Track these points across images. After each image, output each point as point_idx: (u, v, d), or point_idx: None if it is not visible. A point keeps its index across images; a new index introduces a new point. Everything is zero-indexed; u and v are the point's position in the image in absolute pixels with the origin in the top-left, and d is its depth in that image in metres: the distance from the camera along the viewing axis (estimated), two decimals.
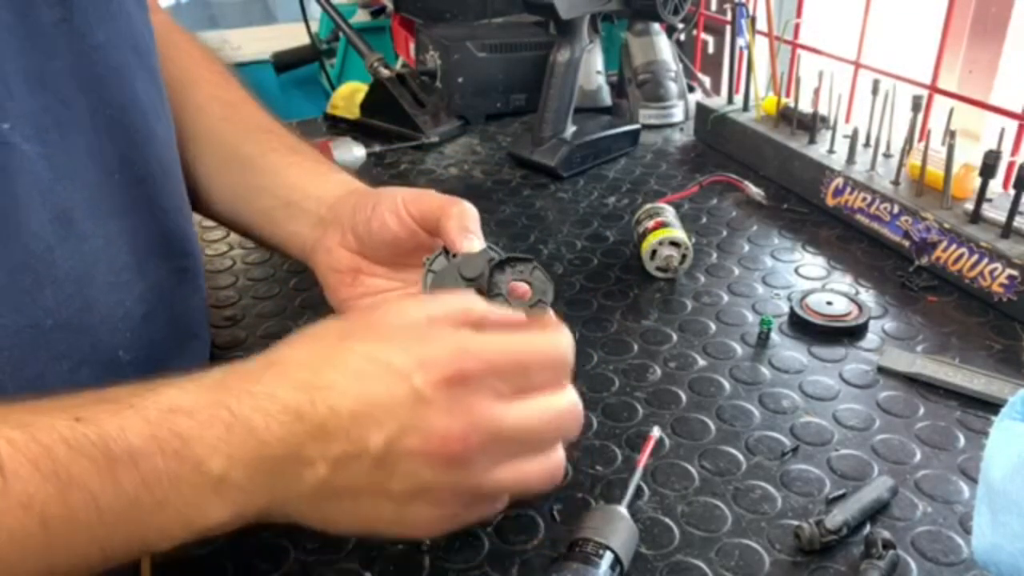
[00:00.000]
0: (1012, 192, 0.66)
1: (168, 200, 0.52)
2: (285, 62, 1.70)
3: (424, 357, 0.38)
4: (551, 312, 0.49)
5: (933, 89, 0.95)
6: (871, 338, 0.64)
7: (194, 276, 0.57)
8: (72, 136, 0.44)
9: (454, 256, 0.49)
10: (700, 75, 1.26)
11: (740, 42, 0.97)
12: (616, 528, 0.44)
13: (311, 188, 0.59)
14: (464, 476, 0.39)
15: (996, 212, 0.69)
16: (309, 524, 0.40)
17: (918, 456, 0.52)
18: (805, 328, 0.65)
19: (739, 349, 0.63)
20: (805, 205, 0.86)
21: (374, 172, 0.99)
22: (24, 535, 0.32)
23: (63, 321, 0.43)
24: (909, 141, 0.77)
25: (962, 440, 0.53)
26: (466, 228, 0.50)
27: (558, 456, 0.42)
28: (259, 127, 0.64)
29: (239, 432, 0.36)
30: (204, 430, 0.36)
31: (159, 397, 0.36)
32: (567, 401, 0.42)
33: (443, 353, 0.38)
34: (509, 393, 0.39)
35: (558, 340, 0.42)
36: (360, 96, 1.11)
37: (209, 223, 0.86)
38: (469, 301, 0.43)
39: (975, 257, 0.68)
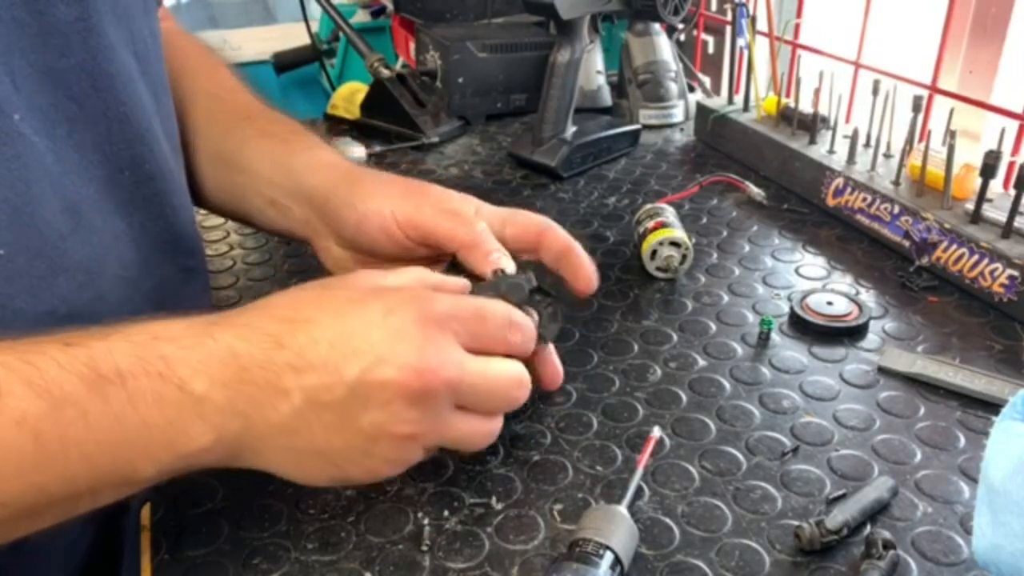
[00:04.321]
0: (1012, 192, 0.66)
1: (174, 199, 0.53)
2: (285, 62, 1.70)
3: (399, 300, 0.41)
4: (550, 348, 0.54)
5: (933, 89, 0.95)
6: (871, 338, 0.64)
7: (201, 275, 0.58)
8: (81, 132, 0.45)
9: (497, 273, 0.51)
10: (700, 75, 1.26)
11: (740, 42, 0.97)
12: (616, 528, 0.44)
13: (288, 183, 0.59)
14: (426, 415, 0.41)
15: (996, 212, 0.69)
16: (279, 470, 0.42)
17: (918, 456, 0.52)
18: (805, 328, 0.65)
19: (739, 349, 0.63)
20: (805, 205, 0.86)
21: None
22: (18, 451, 0.33)
23: (76, 310, 0.44)
24: (909, 141, 0.77)
25: (962, 440, 0.53)
26: (489, 253, 0.52)
27: (499, 422, 0.46)
28: (239, 116, 0.63)
29: (221, 355, 0.38)
30: (187, 353, 0.37)
31: (144, 327, 0.38)
32: (518, 369, 0.45)
33: (415, 298, 0.42)
34: (470, 344, 0.43)
35: (511, 310, 0.46)
36: (360, 96, 1.11)
37: (209, 223, 0.87)
38: (424, 272, 0.47)
39: (975, 257, 0.68)
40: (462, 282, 0.48)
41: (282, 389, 0.39)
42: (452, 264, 0.54)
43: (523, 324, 0.46)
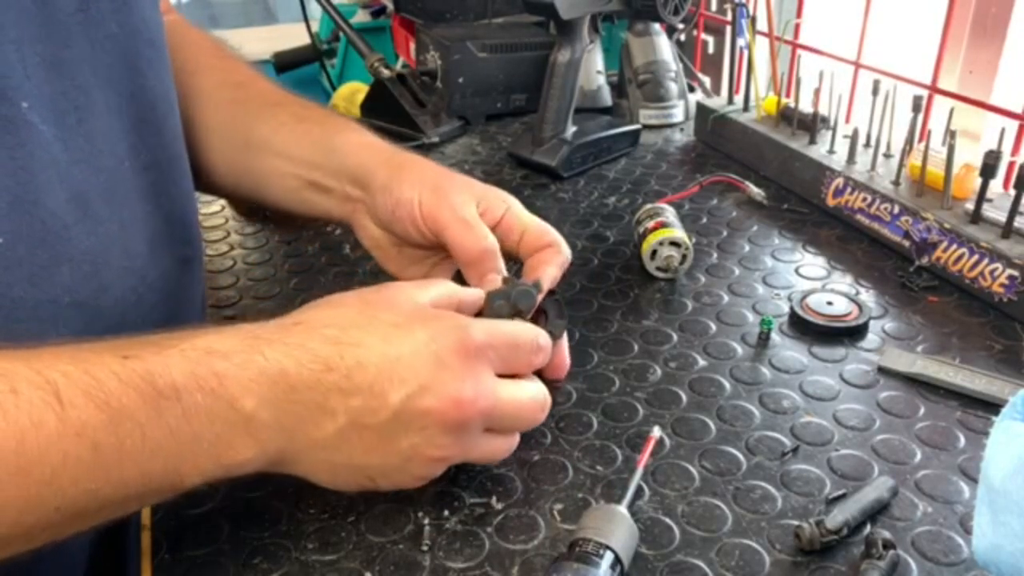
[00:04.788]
0: (1012, 192, 0.66)
1: (177, 187, 0.53)
2: (285, 62, 1.71)
3: (441, 330, 0.43)
4: (560, 342, 0.56)
5: (933, 89, 0.95)
6: (871, 338, 0.64)
7: (197, 266, 0.58)
8: (89, 122, 0.45)
9: (507, 280, 0.54)
10: (700, 75, 1.26)
11: (740, 42, 0.97)
12: (616, 528, 0.44)
13: (331, 163, 0.60)
14: (459, 439, 0.44)
15: (996, 212, 0.69)
16: (312, 478, 0.44)
17: (918, 456, 0.52)
18: (805, 328, 0.65)
19: (739, 349, 0.63)
20: (805, 205, 0.86)
21: None
22: (76, 459, 0.34)
23: (79, 300, 0.44)
24: (909, 141, 0.77)
25: (962, 440, 0.53)
26: (486, 275, 0.54)
27: (517, 438, 0.49)
28: (268, 102, 0.64)
29: (271, 374, 0.39)
30: (240, 371, 0.39)
31: (198, 340, 0.39)
32: (543, 393, 0.48)
33: (455, 328, 0.43)
34: (501, 368, 0.45)
35: (539, 333, 0.49)
36: (360, 96, 1.11)
37: (210, 223, 0.87)
38: (451, 287, 0.49)
39: (975, 257, 0.68)
40: (478, 293, 0.51)
41: (328, 409, 0.41)
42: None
43: (547, 346, 0.49)
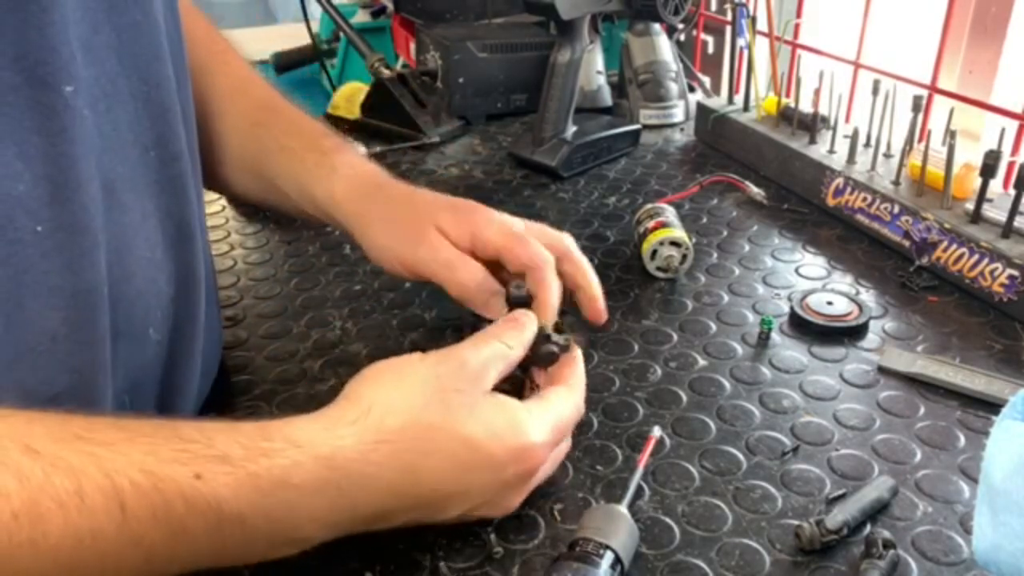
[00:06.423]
0: (1012, 192, 0.66)
1: (194, 180, 0.53)
2: (286, 62, 1.71)
3: (517, 451, 0.44)
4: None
5: (933, 89, 0.95)
6: (871, 338, 0.64)
7: (208, 260, 0.58)
8: (116, 110, 0.45)
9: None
10: (700, 75, 1.26)
11: (740, 42, 0.97)
12: (617, 527, 0.44)
13: (314, 208, 0.63)
14: None
15: (996, 212, 0.69)
16: None
17: (918, 456, 0.52)
18: (805, 328, 0.65)
19: (739, 349, 0.63)
20: (805, 205, 0.86)
21: None
22: (129, 564, 0.35)
23: (111, 290, 0.44)
24: (909, 141, 0.77)
25: (962, 440, 0.53)
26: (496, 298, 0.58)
27: None
28: (256, 120, 0.65)
29: (342, 508, 0.41)
30: (310, 502, 0.40)
31: (274, 466, 0.39)
32: (568, 443, 0.51)
33: (527, 450, 0.45)
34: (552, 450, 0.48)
35: (580, 406, 0.51)
36: (361, 96, 1.11)
37: (210, 223, 0.87)
38: (503, 351, 0.48)
39: (975, 257, 0.68)
40: (521, 349, 0.50)
41: (387, 520, 0.43)
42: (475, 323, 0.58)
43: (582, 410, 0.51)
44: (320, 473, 0.40)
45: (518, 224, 0.59)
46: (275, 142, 0.63)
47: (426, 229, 0.58)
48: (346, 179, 0.62)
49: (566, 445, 0.50)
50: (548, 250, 0.57)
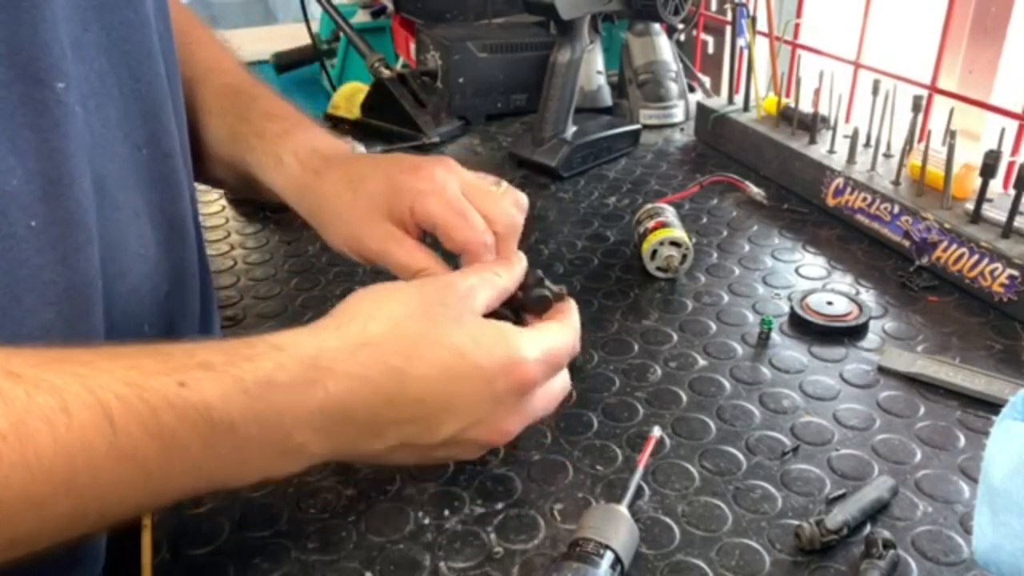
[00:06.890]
0: (1012, 192, 0.66)
1: (185, 177, 0.53)
2: (286, 62, 1.70)
3: (506, 363, 0.43)
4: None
5: (933, 89, 0.95)
6: (871, 338, 0.64)
7: (204, 257, 0.58)
8: (106, 108, 0.45)
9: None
10: (700, 75, 1.26)
11: (740, 42, 0.97)
12: (617, 528, 0.44)
13: (279, 198, 0.60)
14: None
15: (996, 212, 0.69)
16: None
17: (918, 456, 0.52)
18: (805, 328, 0.65)
19: (739, 349, 0.63)
20: (805, 205, 0.86)
21: None
22: (125, 482, 0.35)
23: (104, 285, 0.44)
24: (909, 141, 0.77)
25: (962, 440, 0.53)
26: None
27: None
28: (237, 115, 0.62)
29: (331, 410, 0.40)
30: (299, 405, 0.39)
31: (257, 368, 0.38)
32: (566, 383, 0.49)
33: (518, 364, 0.43)
34: (547, 380, 0.46)
35: (576, 342, 0.49)
36: (361, 96, 1.11)
37: (210, 223, 0.87)
38: (491, 279, 0.48)
39: (975, 257, 0.68)
40: (512, 279, 0.50)
41: (381, 435, 0.42)
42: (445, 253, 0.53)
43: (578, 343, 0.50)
44: (305, 374, 0.39)
45: (473, 186, 0.54)
46: (229, 129, 0.61)
47: (367, 214, 0.55)
48: (287, 173, 0.58)
49: (564, 382, 0.48)
50: (490, 227, 0.52)
